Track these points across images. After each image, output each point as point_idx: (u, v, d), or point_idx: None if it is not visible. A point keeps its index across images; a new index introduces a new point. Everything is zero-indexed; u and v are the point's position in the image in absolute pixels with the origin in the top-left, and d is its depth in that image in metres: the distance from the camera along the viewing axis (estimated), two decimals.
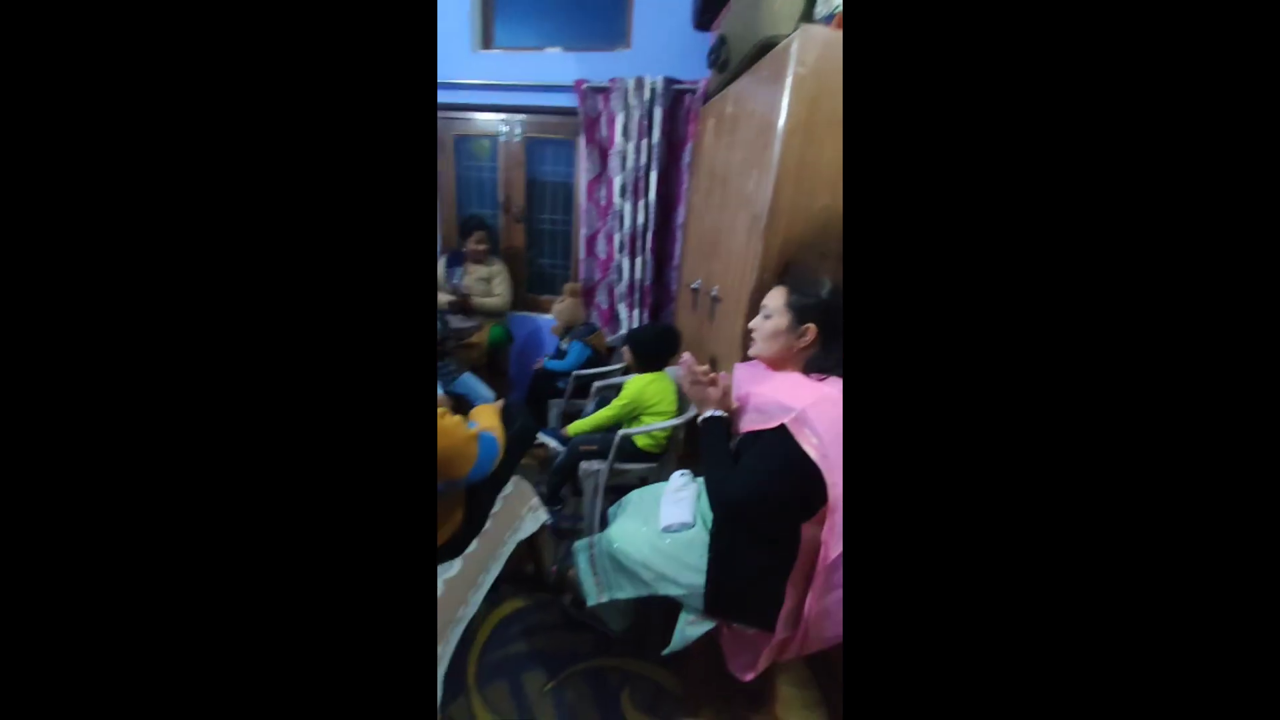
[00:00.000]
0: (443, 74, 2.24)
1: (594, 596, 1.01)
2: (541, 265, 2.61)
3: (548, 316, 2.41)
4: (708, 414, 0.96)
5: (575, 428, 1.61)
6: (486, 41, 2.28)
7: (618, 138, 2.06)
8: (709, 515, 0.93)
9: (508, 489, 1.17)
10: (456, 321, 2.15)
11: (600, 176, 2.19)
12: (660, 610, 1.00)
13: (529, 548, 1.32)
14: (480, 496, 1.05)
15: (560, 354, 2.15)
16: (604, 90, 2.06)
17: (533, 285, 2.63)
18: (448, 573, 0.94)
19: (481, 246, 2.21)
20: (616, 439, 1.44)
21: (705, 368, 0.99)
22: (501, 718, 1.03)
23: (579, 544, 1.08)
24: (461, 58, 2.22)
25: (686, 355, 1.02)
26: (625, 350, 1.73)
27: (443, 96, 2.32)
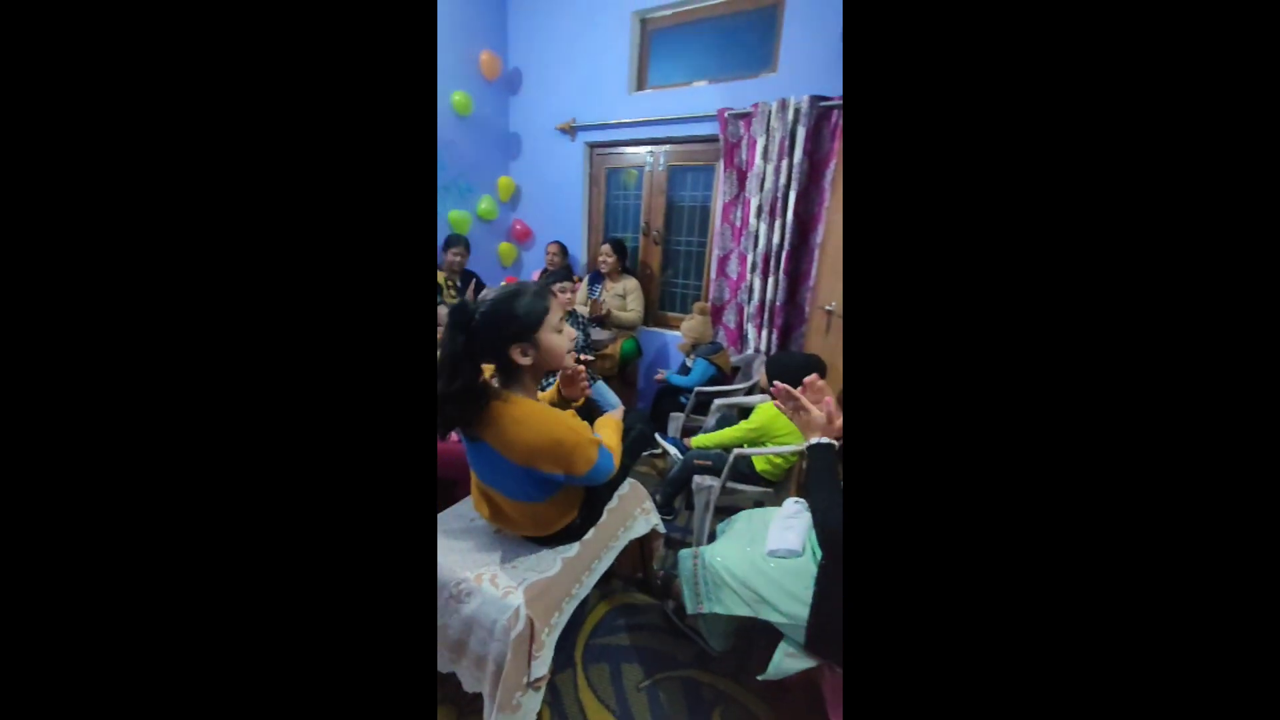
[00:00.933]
0: (601, 115, 2.55)
1: (692, 606, 1.04)
2: (674, 284, 2.75)
3: (676, 333, 2.52)
4: (813, 441, 0.91)
5: (698, 441, 1.66)
6: (641, 84, 2.52)
7: (757, 160, 2.09)
8: (819, 549, 0.89)
9: (624, 489, 1.27)
10: (595, 333, 2.38)
11: (737, 198, 2.24)
12: (764, 638, 0.98)
13: (640, 551, 1.40)
14: (598, 493, 1.17)
15: (685, 370, 2.23)
16: (746, 115, 2.11)
17: (664, 303, 2.78)
18: (567, 553, 1.07)
19: (608, 258, 2.44)
20: (730, 458, 1.45)
21: (797, 392, 0.91)
22: (599, 698, 1.11)
23: (684, 552, 1.12)
24: (619, 100, 2.50)
25: (777, 382, 0.96)
26: (762, 374, 1.70)
27: (599, 135, 2.63)
